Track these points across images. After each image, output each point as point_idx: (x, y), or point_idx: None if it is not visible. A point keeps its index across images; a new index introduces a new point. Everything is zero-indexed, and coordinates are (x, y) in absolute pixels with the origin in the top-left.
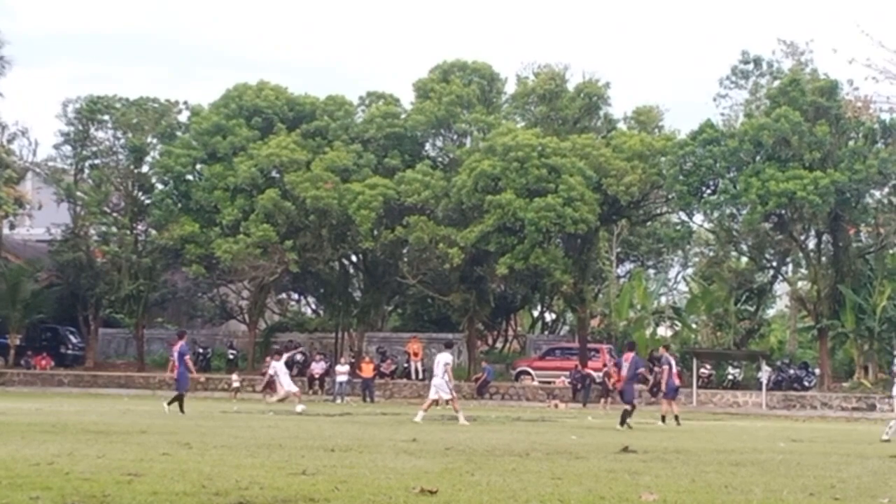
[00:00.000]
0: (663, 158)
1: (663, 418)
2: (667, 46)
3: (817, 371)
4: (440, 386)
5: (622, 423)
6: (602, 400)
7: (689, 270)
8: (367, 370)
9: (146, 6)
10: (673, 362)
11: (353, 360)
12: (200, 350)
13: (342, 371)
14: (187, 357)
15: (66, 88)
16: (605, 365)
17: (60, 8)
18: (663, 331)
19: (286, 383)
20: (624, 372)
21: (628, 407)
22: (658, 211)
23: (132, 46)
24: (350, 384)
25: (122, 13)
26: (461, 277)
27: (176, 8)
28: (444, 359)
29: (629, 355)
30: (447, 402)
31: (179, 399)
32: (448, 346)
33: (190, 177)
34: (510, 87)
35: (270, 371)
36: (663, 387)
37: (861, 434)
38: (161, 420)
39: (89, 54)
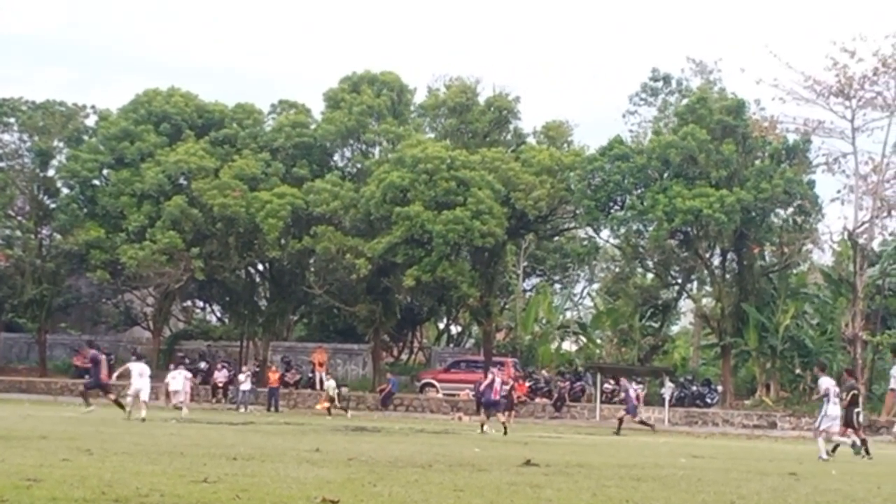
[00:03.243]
0: (572, 173)
1: (482, 426)
2: (577, 62)
3: (720, 388)
4: None
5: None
6: (506, 413)
7: (595, 286)
8: (272, 379)
9: (55, 8)
10: (498, 381)
11: (257, 369)
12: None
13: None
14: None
15: None
16: (512, 378)
17: None
18: (568, 345)
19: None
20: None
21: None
22: (565, 226)
23: (39, 49)
24: (254, 393)
25: (29, 15)
26: (368, 288)
27: (85, 11)
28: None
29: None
30: None
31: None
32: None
33: (96, 182)
34: (420, 99)
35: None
36: (483, 399)
37: (761, 451)
38: (62, 426)
39: None
